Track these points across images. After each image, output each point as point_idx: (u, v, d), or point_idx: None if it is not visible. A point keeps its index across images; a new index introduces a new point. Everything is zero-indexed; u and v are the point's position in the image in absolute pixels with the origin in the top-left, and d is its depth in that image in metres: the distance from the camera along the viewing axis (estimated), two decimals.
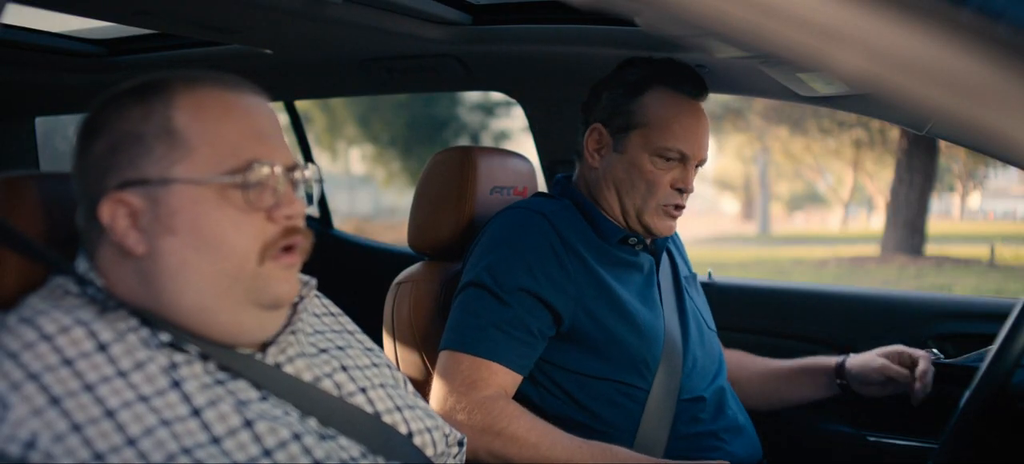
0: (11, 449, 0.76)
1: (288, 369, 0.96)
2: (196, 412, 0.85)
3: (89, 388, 0.82)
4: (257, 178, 0.89)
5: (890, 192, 12.36)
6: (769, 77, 1.60)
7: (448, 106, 14.74)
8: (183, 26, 1.76)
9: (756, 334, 2.05)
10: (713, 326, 1.65)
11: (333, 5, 1.49)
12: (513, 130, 14.38)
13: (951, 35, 0.44)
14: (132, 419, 0.82)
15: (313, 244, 0.96)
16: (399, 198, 16.78)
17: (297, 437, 0.89)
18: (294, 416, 0.92)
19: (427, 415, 1.10)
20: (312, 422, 0.93)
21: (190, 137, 0.89)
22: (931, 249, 12.36)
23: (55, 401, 0.80)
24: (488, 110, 14.58)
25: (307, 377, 0.97)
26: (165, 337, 0.88)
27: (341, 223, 3.07)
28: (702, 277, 2.20)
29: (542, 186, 1.93)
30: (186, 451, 0.82)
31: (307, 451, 0.89)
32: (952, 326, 1.89)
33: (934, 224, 13.99)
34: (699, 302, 1.65)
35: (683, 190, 1.48)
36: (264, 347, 0.96)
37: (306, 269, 0.98)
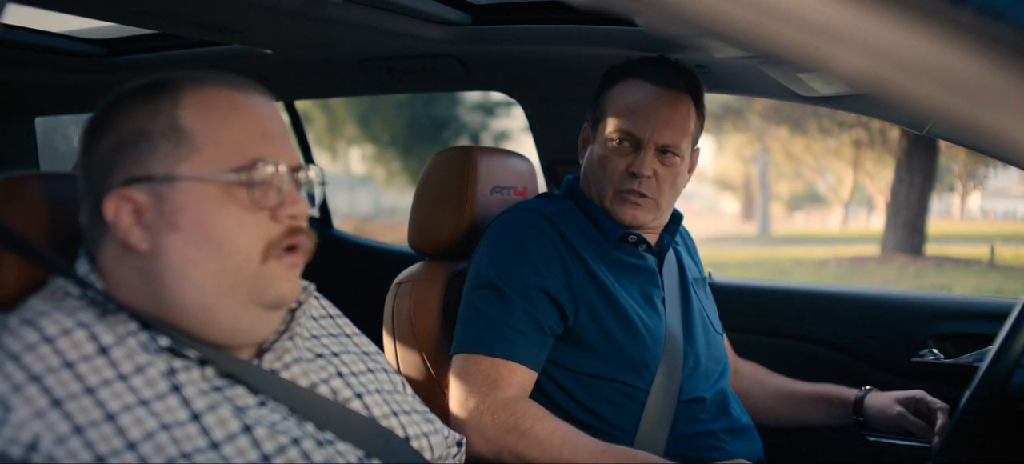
0: (13, 451, 0.76)
1: (284, 375, 0.96)
2: (196, 417, 0.85)
3: (90, 391, 0.82)
4: (262, 177, 0.90)
5: (890, 192, 12.36)
6: (769, 77, 1.60)
7: (448, 106, 14.73)
8: (183, 26, 1.76)
9: (756, 334, 2.05)
10: (720, 329, 1.65)
11: (333, 5, 1.49)
12: (513, 130, 14.38)
13: (951, 35, 0.44)
14: (133, 423, 0.82)
15: (314, 244, 0.97)
16: (399, 198, 16.78)
17: (296, 442, 0.89)
18: (292, 421, 0.92)
19: (425, 420, 1.10)
20: (310, 427, 0.93)
21: (196, 135, 0.89)
22: (931, 249, 12.36)
23: (57, 403, 0.80)
24: (488, 110, 14.57)
25: (303, 383, 0.97)
26: (164, 342, 0.88)
27: (341, 223, 3.07)
28: None
29: (542, 186, 1.93)
30: (185, 456, 0.82)
31: (306, 456, 0.89)
32: (952, 326, 1.89)
33: (934, 224, 13.99)
34: (707, 304, 1.64)
35: (635, 174, 1.46)
36: (260, 353, 0.96)
37: (306, 269, 0.98)
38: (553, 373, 1.44)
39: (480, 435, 1.34)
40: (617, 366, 1.42)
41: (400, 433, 1.03)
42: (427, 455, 1.06)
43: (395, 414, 1.04)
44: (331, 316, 1.14)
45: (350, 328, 1.15)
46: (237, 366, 0.91)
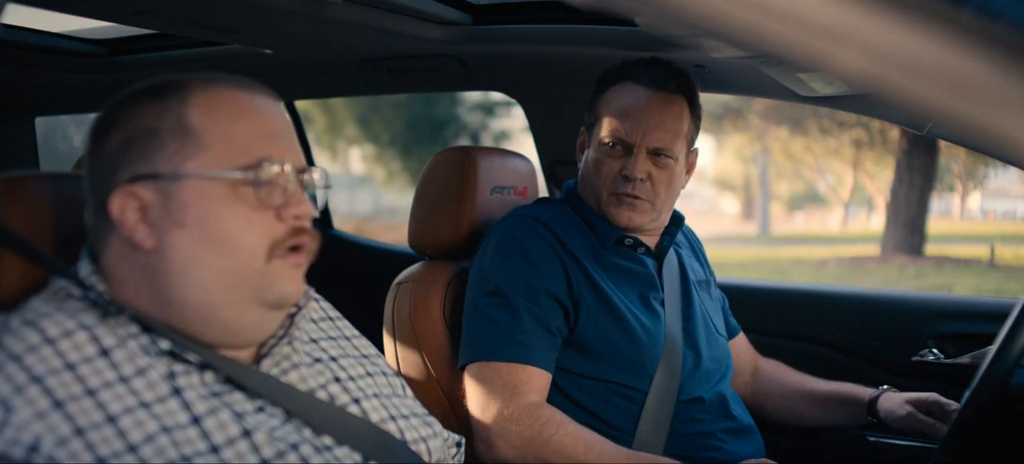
0: (15, 452, 0.76)
1: (283, 381, 0.96)
2: (196, 420, 0.85)
3: (91, 393, 0.82)
4: (268, 176, 0.90)
5: (890, 192, 12.36)
6: (769, 77, 1.60)
7: (448, 106, 14.73)
8: (183, 26, 1.76)
9: (756, 334, 2.05)
10: (723, 331, 1.64)
11: (333, 5, 1.49)
12: (513, 130, 14.38)
13: (951, 35, 0.44)
14: (133, 425, 0.82)
15: (318, 244, 0.97)
16: (399, 198, 16.78)
17: (294, 447, 0.89)
18: (291, 426, 0.92)
19: (423, 423, 1.10)
20: (308, 432, 0.93)
21: (203, 134, 0.89)
22: (931, 249, 12.35)
23: (58, 405, 0.80)
24: (488, 110, 14.56)
25: (301, 389, 0.97)
26: (164, 345, 0.88)
27: (341, 223, 3.07)
28: None
29: (542, 186, 1.93)
30: (185, 459, 0.82)
31: (304, 460, 0.89)
32: (952, 326, 1.89)
33: (934, 224, 13.98)
34: (710, 306, 1.64)
35: (628, 177, 1.46)
36: (259, 359, 0.96)
37: (307, 269, 0.98)
38: (553, 376, 1.44)
39: (506, 441, 1.34)
40: (615, 368, 1.43)
41: (398, 438, 1.03)
42: (426, 459, 1.06)
43: (393, 419, 1.04)
44: (331, 318, 1.14)
45: (350, 330, 1.15)
46: (237, 371, 0.91)
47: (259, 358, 0.96)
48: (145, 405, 0.84)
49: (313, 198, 0.98)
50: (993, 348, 1.33)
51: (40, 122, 2.86)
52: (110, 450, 0.79)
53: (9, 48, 2.06)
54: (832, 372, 1.92)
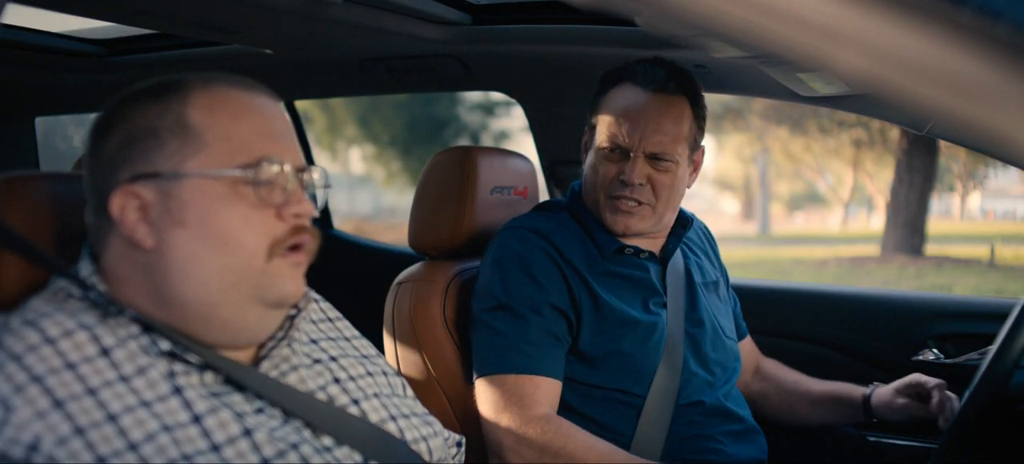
0: (14, 452, 0.76)
1: (282, 382, 0.97)
2: (197, 419, 0.85)
3: (91, 392, 0.82)
4: (268, 175, 0.90)
5: (890, 192, 12.36)
6: (769, 77, 1.60)
7: (448, 106, 14.73)
8: (183, 26, 1.76)
9: (756, 334, 2.05)
10: (732, 334, 1.62)
11: (333, 5, 1.49)
12: (513, 130, 14.37)
13: (951, 35, 0.44)
14: (134, 424, 0.82)
15: (318, 244, 0.97)
16: (399, 198, 16.78)
17: (295, 447, 0.89)
18: (291, 426, 0.92)
19: (424, 423, 1.10)
20: (308, 432, 0.93)
21: (204, 133, 0.89)
22: (931, 249, 12.35)
23: (58, 404, 0.80)
24: (488, 110, 14.56)
25: (301, 390, 0.97)
26: (165, 345, 0.88)
27: (341, 223, 3.07)
28: None
29: (542, 186, 1.93)
30: (186, 457, 0.82)
31: (305, 460, 0.89)
32: (952, 326, 1.89)
33: (934, 224, 13.98)
34: (720, 308, 1.61)
35: (626, 182, 1.43)
36: (258, 361, 0.96)
37: (307, 269, 0.98)
38: None
39: (518, 455, 1.34)
40: (614, 377, 1.43)
41: (398, 437, 1.03)
42: (426, 458, 1.06)
43: (393, 418, 1.04)
44: (330, 319, 1.14)
45: (350, 331, 1.15)
46: (237, 372, 0.91)
47: (258, 360, 0.96)
48: (145, 404, 0.84)
49: (313, 198, 0.98)
50: (993, 348, 1.33)
51: (40, 122, 2.86)
52: (110, 449, 0.79)
53: (9, 48, 2.06)
54: (832, 372, 1.91)
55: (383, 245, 2.96)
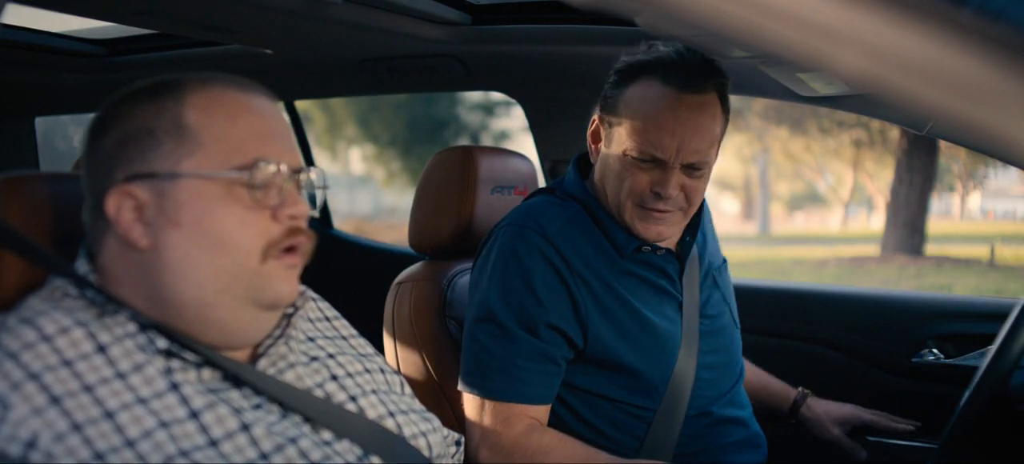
0: (12, 449, 0.76)
1: (280, 380, 0.97)
2: (194, 415, 0.85)
3: (88, 389, 0.82)
4: (263, 176, 0.90)
5: (890, 192, 12.36)
6: (769, 77, 1.60)
7: (448, 106, 14.73)
8: (183, 26, 1.76)
9: (756, 334, 2.05)
10: (738, 322, 1.57)
11: (333, 5, 1.49)
12: (513, 130, 14.37)
13: (951, 35, 0.44)
14: (131, 421, 0.82)
15: (314, 245, 0.97)
16: (399, 198, 16.78)
17: (293, 441, 0.89)
18: (289, 422, 0.92)
19: (422, 419, 1.10)
20: (307, 427, 0.93)
21: (200, 133, 0.89)
22: (931, 249, 12.35)
23: (55, 401, 0.80)
24: (488, 110, 14.57)
25: (298, 387, 0.97)
26: (162, 343, 0.88)
27: (341, 223, 3.07)
28: None
29: (542, 186, 1.93)
30: (184, 453, 0.82)
31: (304, 454, 0.89)
32: (952, 326, 1.89)
33: (934, 224, 13.98)
34: (727, 294, 1.55)
35: (661, 195, 1.32)
36: (255, 359, 0.96)
37: (306, 269, 0.98)
38: (560, 390, 1.40)
39: None
40: (625, 389, 1.39)
41: (396, 433, 1.03)
42: (425, 454, 1.06)
43: (391, 414, 1.04)
44: (328, 318, 1.14)
45: (347, 330, 1.15)
46: (234, 369, 0.91)
47: (255, 358, 0.96)
48: (142, 401, 0.84)
49: (311, 199, 0.98)
50: (993, 348, 1.33)
51: (40, 122, 2.87)
52: (108, 445, 0.79)
53: (9, 48, 2.06)
54: (832, 372, 1.92)
55: (383, 245, 2.96)
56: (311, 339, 1.06)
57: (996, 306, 1.87)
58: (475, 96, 14.23)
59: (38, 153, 2.85)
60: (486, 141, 14.30)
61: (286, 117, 0.99)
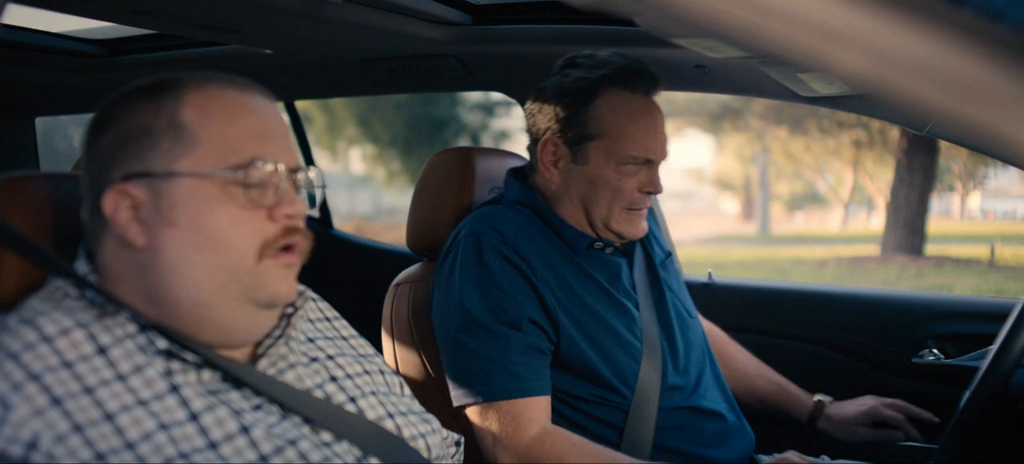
0: (13, 450, 0.76)
1: (279, 380, 0.97)
2: (194, 417, 0.85)
3: (89, 391, 0.82)
4: (259, 176, 0.90)
5: (890, 192, 12.35)
6: (769, 77, 1.60)
7: (448, 106, 14.73)
8: (183, 26, 1.76)
9: (756, 334, 2.05)
10: (694, 312, 1.61)
11: (333, 5, 1.49)
12: (513, 130, 14.36)
13: (951, 35, 0.44)
14: (131, 423, 0.82)
15: (312, 244, 0.97)
16: (399, 198, 16.77)
17: (293, 443, 0.89)
18: (289, 423, 0.92)
19: (421, 420, 1.10)
20: (306, 428, 0.93)
21: (197, 132, 0.89)
22: (931, 249, 12.35)
23: (56, 401, 0.80)
24: (488, 110, 14.56)
25: (298, 388, 0.97)
26: (162, 344, 0.88)
27: (341, 223, 3.07)
28: (702, 277, 2.20)
29: None
30: (184, 456, 0.82)
31: (303, 456, 0.89)
32: (952, 326, 1.89)
33: (934, 224, 13.97)
34: (677, 288, 1.60)
35: (653, 192, 1.44)
36: (255, 359, 0.96)
37: (306, 269, 0.98)
38: None
39: None
40: (597, 384, 1.41)
41: (395, 435, 1.03)
42: (424, 455, 1.06)
43: (391, 416, 1.04)
44: (328, 319, 1.14)
45: (347, 330, 1.15)
46: (234, 369, 0.91)
47: (255, 358, 0.96)
48: (143, 403, 0.84)
49: (311, 198, 0.98)
50: (993, 348, 1.33)
51: (40, 122, 2.86)
52: (108, 447, 0.80)
53: (9, 48, 2.06)
54: (832, 372, 1.92)
55: (383, 245, 2.96)
56: (311, 340, 1.06)
57: (996, 306, 1.87)
58: (475, 96, 14.23)
59: (38, 153, 2.85)
60: (486, 141, 14.31)
61: (284, 117, 0.99)
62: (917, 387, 1.87)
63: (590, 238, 1.46)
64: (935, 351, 1.88)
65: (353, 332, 1.15)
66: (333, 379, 1.02)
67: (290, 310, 1.01)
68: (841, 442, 1.65)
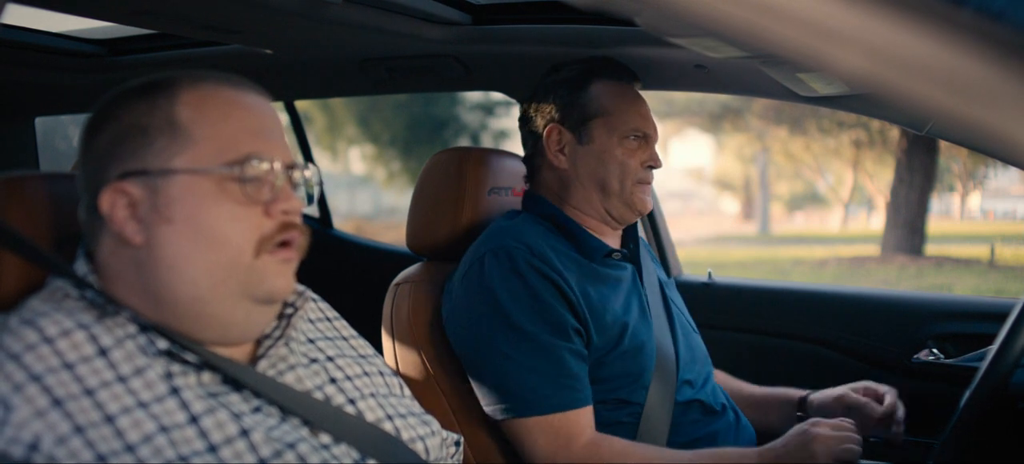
0: (15, 451, 0.76)
1: (279, 382, 0.97)
2: (194, 419, 0.85)
3: (89, 393, 0.82)
4: (255, 172, 0.90)
5: (890, 192, 12.35)
6: (769, 77, 1.60)
7: (448, 106, 14.72)
8: (183, 26, 1.76)
9: (756, 334, 2.05)
10: (695, 327, 1.65)
11: (333, 5, 1.49)
12: (513, 130, 14.30)
13: (951, 35, 0.44)
14: (131, 425, 0.82)
15: (312, 244, 0.97)
16: (399, 198, 16.76)
17: (292, 446, 0.89)
18: (288, 425, 0.92)
19: (421, 422, 1.10)
20: (306, 431, 0.93)
21: (192, 130, 0.90)
22: (931, 249, 12.35)
23: (57, 403, 0.80)
24: (488, 110, 14.55)
25: (298, 389, 0.98)
26: (162, 344, 0.88)
27: (341, 223, 3.07)
28: (702, 277, 2.20)
29: None
30: (183, 458, 0.82)
31: (302, 459, 0.89)
32: (952, 326, 1.89)
33: (934, 224, 13.96)
34: (681, 304, 1.66)
35: (653, 166, 1.53)
36: (255, 360, 0.96)
37: (305, 269, 0.98)
38: None
39: None
40: (612, 385, 1.42)
41: (395, 437, 1.03)
42: (424, 457, 1.06)
43: (390, 418, 1.04)
44: (328, 319, 1.14)
45: (347, 331, 1.15)
46: (234, 371, 0.91)
47: (255, 359, 0.96)
48: (143, 405, 0.84)
49: (307, 196, 0.98)
50: (993, 348, 1.33)
51: (40, 122, 2.86)
52: (108, 449, 0.80)
53: (9, 48, 2.06)
54: (832, 372, 1.92)
55: (383, 245, 2.96)
56: (311, 340, 1.06)
57: (996, 306, 1.87)
58: (475, 96, 14.22)
59: (38, 153, 2.85)
60: (486, 141, 14.30)
61: (279, 114, 0.99)
62: (917, 387, 1.87)
63: (607, 247, 1.50)
64: (935, 351, 1.88)
65: (353, 332, 1.15)
66: (333, 381, 1.02)
67: (290, 311, 1.01)
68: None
